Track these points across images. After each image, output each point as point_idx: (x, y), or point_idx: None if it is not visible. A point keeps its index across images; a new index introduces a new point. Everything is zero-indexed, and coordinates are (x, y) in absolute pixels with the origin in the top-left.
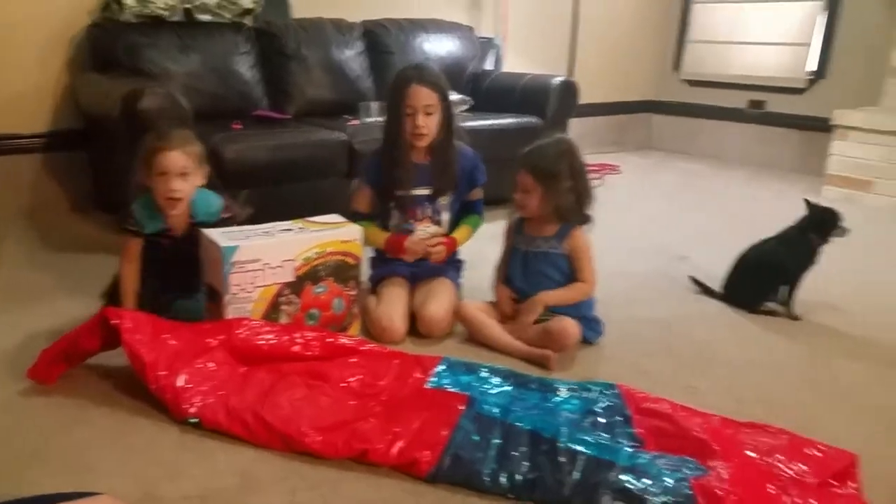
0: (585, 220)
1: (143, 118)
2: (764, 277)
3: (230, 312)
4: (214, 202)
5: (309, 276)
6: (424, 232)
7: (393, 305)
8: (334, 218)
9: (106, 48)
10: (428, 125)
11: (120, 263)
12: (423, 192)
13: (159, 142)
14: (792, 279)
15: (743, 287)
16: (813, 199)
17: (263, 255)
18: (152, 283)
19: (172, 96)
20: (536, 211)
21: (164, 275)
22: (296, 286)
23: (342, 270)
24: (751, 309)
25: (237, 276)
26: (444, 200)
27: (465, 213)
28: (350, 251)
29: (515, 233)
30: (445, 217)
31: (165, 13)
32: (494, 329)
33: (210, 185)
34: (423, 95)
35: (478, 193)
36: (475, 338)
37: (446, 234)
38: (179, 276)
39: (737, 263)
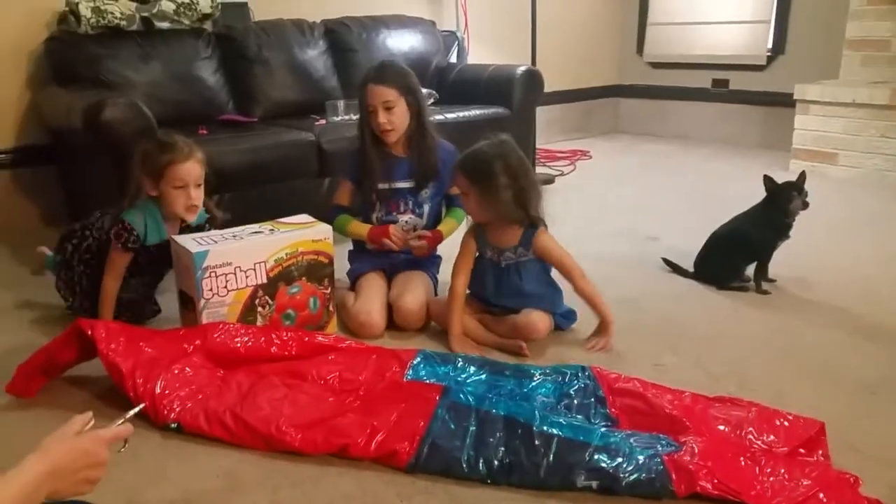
0: (533, 221)
1: (106, 129)
2: (732, 254)
3: (205, 318)
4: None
5: (282, 276)
6: (406, 223)
7: (371, 300)
8: (304, 218)
9: (65, 61)
10: (391, 121)
11: (105, 277)
12: (405, 185)
13: (170, 154)
14: (761, 255)
15: (712, 264)
16: (773, 176)
17: (234, 259)
18: (134, 285)
19: (135, 106)
20: (479, 214)
21: (146, 276)
22: (269, 288)
23: (315, 270)
24: (720, 286)
25: (209, 281)
26: (425, 193)
27: (449, 206)
28: (322, 250)
29: (478, 238)
30: (427, 209)
31: (123, 23)
32: (467, 322)
33: None
34: (380, 93)
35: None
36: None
37: (429, 228)
38: (157, 278)
39: (707, 242)
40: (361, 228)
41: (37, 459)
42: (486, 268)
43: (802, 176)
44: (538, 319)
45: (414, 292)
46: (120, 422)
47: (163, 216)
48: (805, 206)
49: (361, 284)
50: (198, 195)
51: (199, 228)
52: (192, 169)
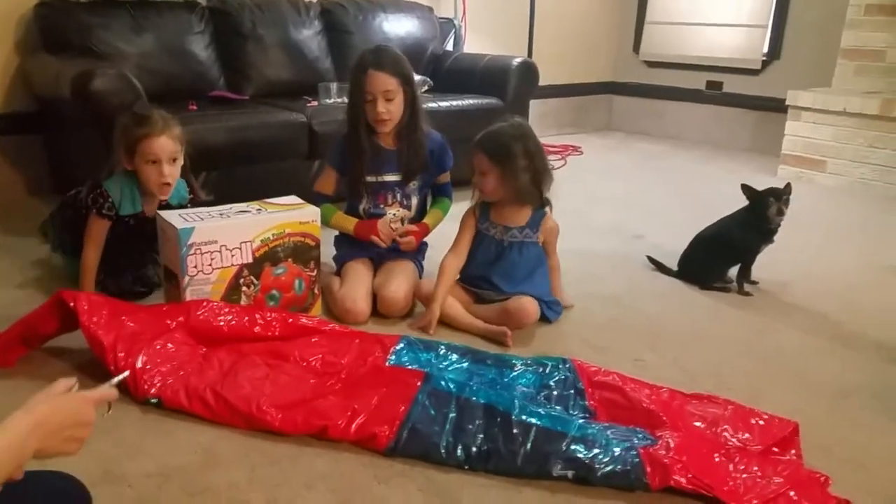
0: (545, 202)
1: (94, 100)
2: (716, 255)
3: (189, 294)
4: (181, 185)
5: (268, 257)
6: (394, 216)
7: (356, 287)
8: (292, 199)
9: (56, 28)
10: (389, 110)
11: (85, 246)
12: (393, 178)
13: (144, 128)
14: (744, 258)
15: (696, 265)
16: (758, 181)
17: (220, 237)
18: (112, 259)
19: (125, 77)
20: (496, 193)
21: (124, 251)
22: (255, 268)
23: (301, 251)
24: (703, 286)
25: (194, 258)
26: (413, 185)
27: (436, 196)
28: (309, 232)
29: (481, 219)
30: (415, 201)
31: None
32: (454, 308)
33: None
34: (381, 81)
35: (446, 177)
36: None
37: (416, 221)
38: (138, 252)
39: (692, 242)
40: (347, 222)
41: (23, 415)
42: (486, 244)
43: (788, 187)
44: (529, 304)
45: (398, 280)
46: (105, 386)
47: (141, 192)
48: (780, 212)
49: (347, 270)
50: (171, 172)
51: (180, 208)
52: (165, 144)
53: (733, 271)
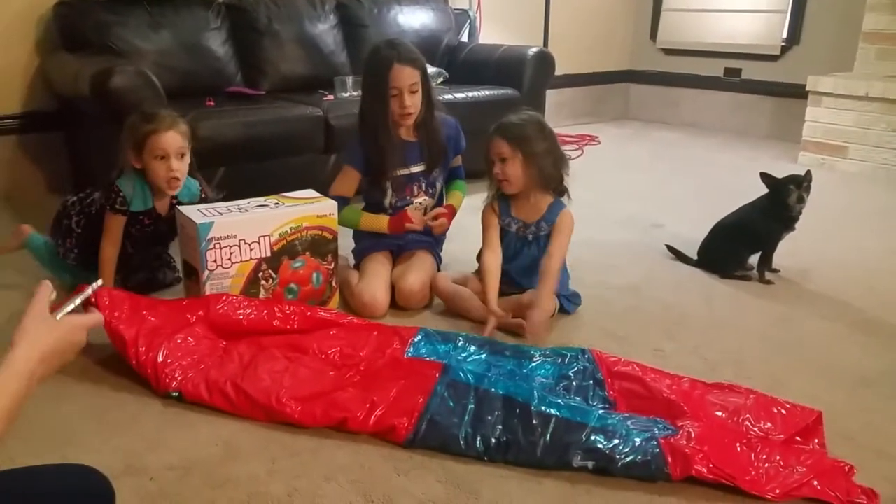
0: (563, 189)
1: (114, 97)
2: (737, 243)
3: (208, 289)
4: (193, 184)
5: (286, 250)
6: (419, 205)
7: (375, 281)
8: (310, 193)
9: (74, 27)
10: (414, 103)
11: (102, 242)
12: (418, 168)
13: (151, 124)
14: (765, 246)
15: (717, 253)
16: (780, 168)
17: (239, 231)
18: (126, 258)
19: (143, 74)
20: (518, 181)
21: (139, 251)
22: (273, 261)
23: (319, 245)
24: (723, 274)
25: (213, 253)
26: (436, 172)
27: (450, 179)
28: (326, 225)
29: (502, 214)
30: (438, 187)
31: None
32: (472, 301)
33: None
34: (407, 75)
35: (459, 160)
36: (452, 309)
37: (436, 205)
38: (154, 255)
39: (712, 230)
40: (378, 222)
41: (28, 348)
42: (507, 240)
43: (808, 174)
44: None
45: (415, 272)
46: (78, 301)
47: (152, 191)
48: (800, 200)
49: (367, 264)
50: (179, 167)
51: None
52: (173, 139)
53: (754, 259)
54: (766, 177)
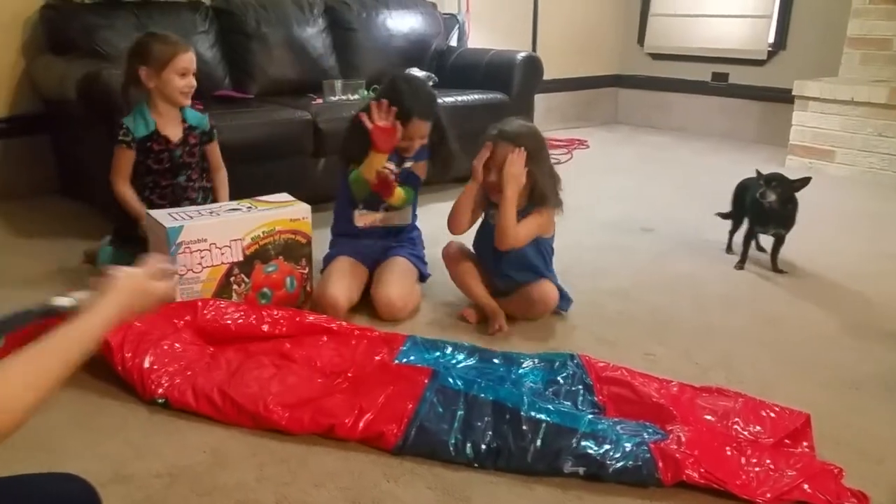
0: (559, 202)
1: (100, 101)
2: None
3: (178, 293)
4: (204, 118)
5: (258, 255)
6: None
7: (334, 279)
8: (284, 197)
9: (61, 30)
10: (415, 146)
11: (114, 182)
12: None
13: (175, 45)
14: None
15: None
16: (763, 171)
17: (210, 235)
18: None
19: None
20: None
21: (160, 184)
22: (245, 266)
23: (293, 249)
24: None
25: (184, 257)
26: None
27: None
28: (300, 229)
29: (488, 208)
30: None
31: None
32: (478, 285)
33: None
34: (425, 128)
35: (422, 169)
36: (454, 279)
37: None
38: (175, 184)
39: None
40: (368, 161)
41: (114, 298)
42: (488, 231)
43: (804, 180)
44: (551, 290)
45: (395, 283)
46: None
47: (156, 112)
48: (763, 196)
49: (330, 267)
50: (194, 82)
51: (199, 131)
52: (193, 58)
53: (766, 244)
54: (757, 172)
